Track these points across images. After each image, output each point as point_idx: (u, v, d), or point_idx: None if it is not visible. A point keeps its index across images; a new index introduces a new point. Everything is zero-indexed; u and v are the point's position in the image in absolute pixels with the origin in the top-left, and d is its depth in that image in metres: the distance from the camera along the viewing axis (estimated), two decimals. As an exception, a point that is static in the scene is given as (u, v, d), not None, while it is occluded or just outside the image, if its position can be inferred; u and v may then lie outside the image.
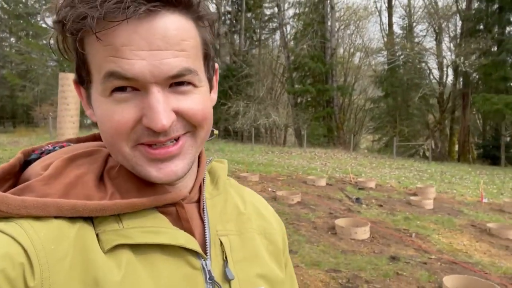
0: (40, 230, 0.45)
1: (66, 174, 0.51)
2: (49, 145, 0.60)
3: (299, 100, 29.10)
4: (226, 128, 26.06)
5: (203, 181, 0.62)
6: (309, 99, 28.64)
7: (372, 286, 3.98)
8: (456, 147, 25.39)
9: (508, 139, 24.44)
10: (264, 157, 16.06)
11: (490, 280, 4.07)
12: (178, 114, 0.50)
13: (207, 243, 0.57)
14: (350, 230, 5.57)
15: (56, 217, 0.47)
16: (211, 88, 0.58)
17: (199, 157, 0.63)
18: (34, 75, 28.63)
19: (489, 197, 9.87)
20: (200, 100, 0.52)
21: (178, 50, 0.48)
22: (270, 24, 32.50)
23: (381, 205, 8.07)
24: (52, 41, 0.51)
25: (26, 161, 0.57)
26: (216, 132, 0.62)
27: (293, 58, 27.01)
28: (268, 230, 0.68)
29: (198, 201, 0.60)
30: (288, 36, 30.30)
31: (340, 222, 5.90)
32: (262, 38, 33.08)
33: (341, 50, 34.17)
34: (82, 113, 6.02)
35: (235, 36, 31.42)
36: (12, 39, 33.97)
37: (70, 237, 0.47)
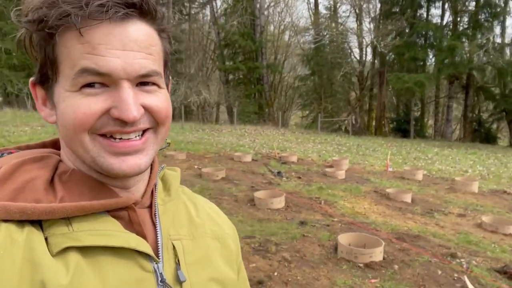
0: None
1: (14, 179, 0.52)
2: None
3: (230, 78, 29.27)
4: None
5: (155, 187, 0.64)
6: (240, 76, 28.96)
7: (280, 248, 4.51)
8: (374, 122, 27.67)
9: (417, 114, 27.25)
10: (194, 135, 16.18)
11: (378, 236, 4.82)
12: (145, 109, 0.54)
13: (159, 247, 0.58)
14: (267, 201, 6.09)
15: (5, 222, 0.48)
16: None
17: (151, 164, 0.65)
18: None
19: (394, 167, 11.15)
20: (164, 99, 0.57)
21: (147, 53, 0.53)
22: (200, -2, 31.75)
23: (299, 177, 8.78)
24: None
25: None
26: (169, 141, 0.70)
27: (223, 35, 26.91)
28: (221, 234, 0.71)
29: (150, 207, 0.62)
30: (219, 12, 29.99)
31: (258, 194, 6.40)
32: (192, 12, 32.28)
33: (272, 28, 34.76)
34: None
35: (163, 10, 30.23)
36: None
37: (19, 241, 0.47)
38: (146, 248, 0.55)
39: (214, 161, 10.08)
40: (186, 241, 0.63)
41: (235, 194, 6.88)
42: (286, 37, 34.56)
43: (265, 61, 27.37)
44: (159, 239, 0.59)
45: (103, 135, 0.53)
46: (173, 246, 0.61)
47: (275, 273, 3.87)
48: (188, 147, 12.20)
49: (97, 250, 0.51)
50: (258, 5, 27.08)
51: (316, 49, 26.89)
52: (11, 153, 0.60)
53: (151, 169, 0.65)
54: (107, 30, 0.50)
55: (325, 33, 26.51)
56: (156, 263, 0.56)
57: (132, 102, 0.51)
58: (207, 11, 30.63)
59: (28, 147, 0.64)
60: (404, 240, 4.92)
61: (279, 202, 6.13)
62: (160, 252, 0.58)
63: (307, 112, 30.91)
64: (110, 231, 0.53)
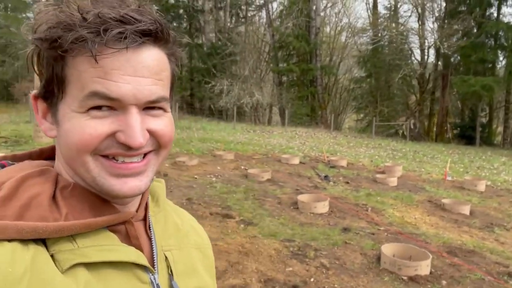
0: None
1: (19, 196, 0.52)
2: None
3: (283, 79, 29.26)
4: (209, 106, 26.18)
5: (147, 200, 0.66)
6: (294, 78, 28.84)
7: (319, 253, 4.40)
8: (435, 128, 26.06)
9: (484, 120, 25.22)
10: (245, 136, 16.37)
11: (426, 249, 4.53)
12: (150, 133, 0.55)
13: (155, 258, 0.60)
14: (310, 205, 5.98)
15: (9, 241, 0.47)
16: None
17: None
18: (13, 50, 27.99)
19: (454, 175, 10.41)
20: (169, 123, 0.58)
21: (157, 79, 0.53)
22: (257, 0, 32.17)
23: (347, 182, 8.52)
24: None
25: None
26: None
27: (278, 37, 26.97)
28: (202, 245, 0.75)
29: (144, 219, 0.64)
30: (274, 14, 30.14)
31: (302, 197, 6.31)
32: (249, 15, 32.78)
33: (328, 29, 34.18)
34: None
35: (220, 13, 31.06)
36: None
37: (26, 259, 0.46)
38: (144, 260, 0.57)
39: (261, 162, 10.12)
40: (175, 252, 0.65)
41: (279, 196, 6.85)
42: (343, 38, 33.85)
43: (319, 63, 26.98)
44: (154, 251, 0.61)
45: (105, 156, 0.53)
46: (165, 257, 0.63)
47: (311, 279, 3.78)
48: (237, 147, 12.37)
49: (100, 265, 0.53)
50: (314, 7, 26.79)
51: (373, 50, 25.98)
52: (3, 164, 0.60)
53: None
54: (122, 57, 0.50)
55: (384, 34, 25.52)
56: (152, 275, 0.58)
57: (139, 128, 0.52)
58: (263, 13, 30.93)
59: (14, 157, 0.63)
60: (456, 255, 4.57)
61: (322, 207, 6.00)
62: (155, 263, 0.60)
63: (361, 115, 29.94)
64: (111, 246, 0.54)
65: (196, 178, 7.78)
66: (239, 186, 7.33)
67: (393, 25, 26.10)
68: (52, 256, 0.50)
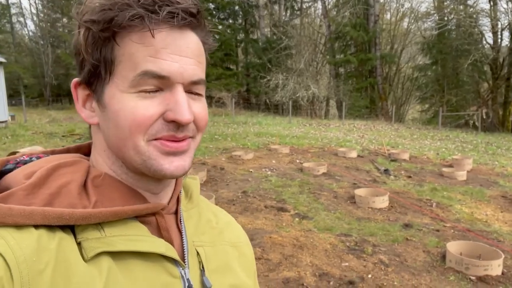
0: (22, 241, 0.45)
1: (49, 183, 0.52)
2: (24, 156, 0.61)
3: (341, 71, 28.47)
4: (265, 101, 26.29)
5: (180, 194, 0.66)
6: (352, 69, 27.92)
7: (378, 249, 4.22)
8: (512, 117, 23.73)
9: None
10: (301, 130, 16.21)
11: (499, 248, 4.14)
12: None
13: (185, 253, 0.59)
14: (368, 199, 5.76)
15: (36, 228, 0.47)
16: None
17: None
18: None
19: (533, 169, 9.41)
20: (205, 107, 0.59)
21: (199, 62, 0.56)
22: (312, -9, 31.53)
23: (410, 176, 8.08)
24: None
25: (0, 172, 0.57)
26: None
27: (334, 28, 26.24)
28: (238, 243, 0.73)
29: (175, 213, 0.63)
30: (331, 4, 29.37)
31: (359, 191, 6.10)
32: (304, 7, 32.30)
33: (388, 16, 32.58)
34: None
35: (275, 7, 30.97)
36: (64, 19, 35.94)
37: (51, 248, 0.46)
38: (174, 253, 0.56)
39: (317, 156, 9.95)
40: (208, 248, 0.64)
41: (335, 190, 6.68)
42: (405, 24, 32.04)
43: (379, 52, 25.82)
44: (185, 245, 0.60)
45: (156, 140, 0.54)
46: (197, 253, 0.62)
47: (369, 275, 3.64)
48: (293, 141, 12.29)
49: (127, 255, 0.52)
50: (372, -7, 25.64)
51: (439, 35, 24.28)
52: (39, 157, 0.61)
53: None
54: (171, 36, 0.52)
55: (450, 17, 23.70)
56: (182, 269, 0.57)
57: (186, 105, 0.53)
58: (319, 4, 30.27)
59: (53, 153, 0.64)
60: (535, 256, 4.13)
61: (381, 202, 5.75)
62: (186, 258, 0.59)
63: (426, 105, 28.15)
64: (140, 236, 0.54)
65: (251, 171, 7.87)
66: (294, 179, 7.28)
67: (461, 7, 24.10)
68: (79, 243, 0.50)
